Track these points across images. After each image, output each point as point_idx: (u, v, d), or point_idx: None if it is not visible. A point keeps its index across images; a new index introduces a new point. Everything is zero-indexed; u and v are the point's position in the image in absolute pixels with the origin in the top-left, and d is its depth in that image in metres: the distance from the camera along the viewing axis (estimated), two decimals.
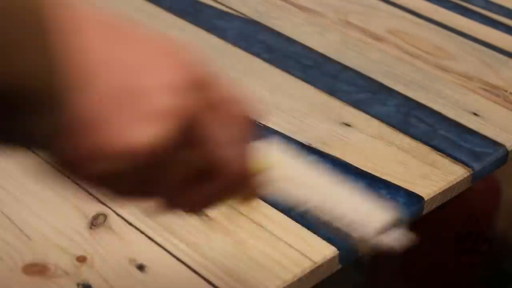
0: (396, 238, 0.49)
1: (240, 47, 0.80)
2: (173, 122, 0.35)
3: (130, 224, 0.55)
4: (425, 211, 0.61)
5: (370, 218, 0.48)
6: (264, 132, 0.66)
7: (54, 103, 0.33)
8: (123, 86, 0.34)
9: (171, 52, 0.38)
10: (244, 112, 0.41)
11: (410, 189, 0.60)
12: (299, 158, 0.50)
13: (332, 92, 0.73)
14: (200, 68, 0.40)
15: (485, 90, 0.75)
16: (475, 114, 0.71)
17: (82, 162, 0.36)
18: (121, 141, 0.34)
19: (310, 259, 0.53)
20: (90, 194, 0.58)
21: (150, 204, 0.40)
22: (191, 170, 0.38)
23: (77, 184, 0.60)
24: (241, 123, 0.40)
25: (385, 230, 0.48)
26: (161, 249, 0.53)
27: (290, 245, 0.54)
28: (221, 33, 0.82)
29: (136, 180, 0.37)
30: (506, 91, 0.75)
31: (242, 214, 0.57)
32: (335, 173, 0.62)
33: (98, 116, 0.33)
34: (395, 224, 0.48)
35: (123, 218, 0.56)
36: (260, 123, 0.41)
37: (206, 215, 0.56)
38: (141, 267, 0.52)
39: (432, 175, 0.62)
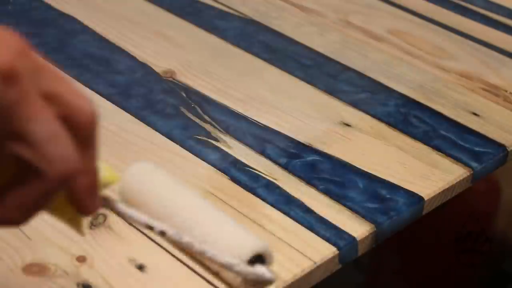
0: (260, 273, 0.48)
1: (240, 47, 0.80)
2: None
3: (130, 224, 0.55)
4: (425, 211, 0.61)
5: (234, 248, 0.48)
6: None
7: None
8: None
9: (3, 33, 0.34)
10: (86, 112, 0.37)
11: (410, 189, 0.60)
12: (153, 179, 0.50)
13: (332, 92, 0.73)
14: (36, 54, 0.35)
15: (485, 90, 0.75)
16: (475, 114, 0.71)
17: None
18: None
19: (310, 259, 0.53)
20: None
21: None
22: (12, 166, 0.35)
23: None
24: (81, 125, 0.36)
25: (249, 262, 0.48)
26: (161, 249, 0.53)
27: (290, 245, 0.54)
28: (221, 33, 0.82)
29: None
30: (506, 91, 0.75)
31: (242, 214, 0.57)
32: (335, 173, 0.62)
33: None
34: (260, 258, 0.49)
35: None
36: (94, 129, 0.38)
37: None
38: (141, 267, 0.52)
39: (432, 175, 0.62)
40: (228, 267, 0.47)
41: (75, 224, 0.43)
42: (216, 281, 0.51)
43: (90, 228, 0.55)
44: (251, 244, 0.49)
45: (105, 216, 0.56)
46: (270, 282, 0.49)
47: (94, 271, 0.51)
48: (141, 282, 0.51)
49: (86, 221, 0.55)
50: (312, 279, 0.53)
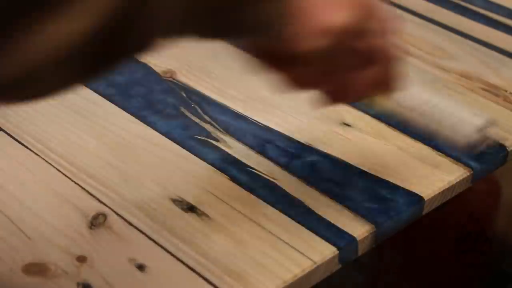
0: (489, 136, 0.58)
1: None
2: (357, 11, 0.46)
3: (130, 224, 0.56)
4: (425, 211, 0.61)
5: (469, 121, 0.58)
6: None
7: None
8: None
9: None
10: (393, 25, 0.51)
11: (410, 189, 0.60)
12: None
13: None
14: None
15: (485, 90, 0.75)
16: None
17: (297, 39, 0.45)
18: (326, 20, 0.45)
19: (310, 259, 0.53)
20: (90, 194, 0.58)
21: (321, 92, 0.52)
22: (358, 57, 0.49)
23: (77, 184, 0.60)
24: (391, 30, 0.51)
25: (481, 131, 0.58)
26: (161, 249, 0.53)
27: (290, 245, 0.54)
28: None
29: (320, 65, 0.48)
30: (506, 91, 0.75)
31: (242, 214, 0.57)
32: (335, 173, 0.62)
33: (306, 3, 0.44)
34: (488, 126, 0.58)
35: (123, 218, 0.56)
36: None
37: (206, 215, 0.57)
38: (141, 267, 0.52)
39: (432, 175, 0.62)
40: (465, 123, 0.58)
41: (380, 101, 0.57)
42: (216, 281, 0.51)
43: (90, 228, 0.55)
44: (476, 116, 0.59)
45: (105, 216, 0.56)
46: (497, 143, 0.63)
47: (94, 271, 0.51)
48: (141, 282, 0.51)
49: (86, 221, 0.56)
50: (312, 279, 0.53)
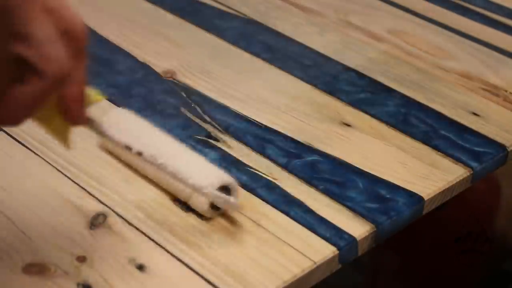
0: (228, 201, 0.54)
1: (240, 47, 0.80)
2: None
3: (130, 224, 0.56)
4: (425, 211, 0.61)
5: (204, 175, 0.53)
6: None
7: None
8: None
9: None
10: (79, 28, 0.42)
11: (410, 189, 0.60)
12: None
13: (332, 92, 0.73)
14: None
15: (485, 90, 0.75)
16: (475, 114, 0.71)
17: None
18: None
19: (310, 259, 0.53)
20: (90, 194, 0.58)
21: None
22: (12, 66, 0.39)
23: (77, 184, 0.60)
24: (73, 38, 0.41)
25: (219, 190, 0.53)
26: (161, 249, 0.53)
27: (290, 245, 0.54)
28: (221, 33, 0.82)
29: None
30: (506, 91, 0.75)
31: (242, 214, 0.57)
32: (335, 173, 0.62)
33: None
34: (228, 190, 0.55)
35: (123, 218, 0.56)
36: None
37: (206, 216, 0.57)
38: (141, 267, 0.52)
39: (432, 175, 0.62)
40: (198, 189, 0.52)
41: (62, 135, 0.47)
42: (216, 281, 0.51)
43: (90, 228, 0.55)
44: (220, 175, 0.54)
45: (105, 216, 0.56)
46: (236, 207, 0.55)
47: (94, 271, 0.51)
48: (141, 282, 0.51)
49: (86, 221, 0.56)
50: (312, 279, 0.53)
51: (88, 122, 0.47)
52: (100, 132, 0.49)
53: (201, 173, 0.53)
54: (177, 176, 0.52)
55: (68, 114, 0.44)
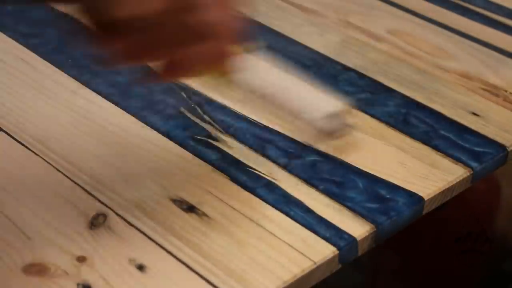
0: (338, 124, 0.56)
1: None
2: None
3: (130, 224, 0.56)
4: (425, 211, 0.61)
5: (318, 105, 0.56)
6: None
7: None
8: None
9: None
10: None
11: (410, 189, 0.60)
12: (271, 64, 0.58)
13: (332, 92, 0.73)
14: None
15: (485, 90, 0.75)
16: (475, 114, 0.71)
17: (117, 5, 0.44)
18: None
19: (310, 259, 0.53)
20: (90, 194, 0.58)
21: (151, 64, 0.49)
22: (186, 32, 0.46)
23: (77, 184, 0.60)
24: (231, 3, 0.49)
25: (330, 117, 0.56)
26: (161, 249, 0.53)
27: (290, 245, 0.54)
28: None
29: (145, 36, 0.46)
30: (506, 91, 0.75)
31: (242, 214, 0.57)
32: (335, 173, 0.62)
33: None
34: (339, 114, 0.57)
35: (123, 218, 0.56)
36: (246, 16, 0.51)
37: (206, 215, 0.57)
38: (141, 267, 0.52)
39: (432, 175, 0.62)
40: (309, 114, 0.56)
41: (220, 80, 0.55)
42: (216, 281, 0.51)
43: (90, 228, 0.55)
44: (330, 102, 0.57)
45: (105, 216, 0.56)
46: (346, 130, 0.59)
47: (94, 271, 0.51)
48: (141, 282, 0.51)
49: (86, 221, 0.56)
50: (312, 279, 0.53)
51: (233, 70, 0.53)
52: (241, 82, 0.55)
53: (312, 104, 0.57)
54: (293, 105, 0.56)
55: (225, 67, 0.52)
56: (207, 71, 0.53)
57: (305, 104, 0.56)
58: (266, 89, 0.55)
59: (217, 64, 0.51)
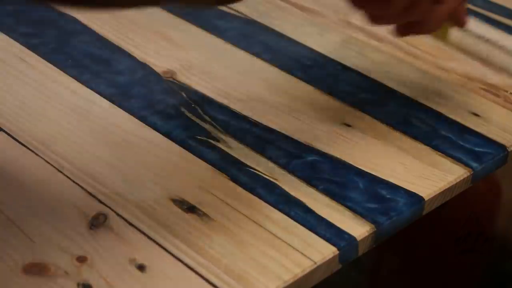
0: None
1: (240, 47, 0.80)
2: None
3: (130, 224, 0.56)
4: (425, 211, 0.61)
5: None
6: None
7: None
8: None
9: None
10: None
11: (410, 189, 0.60)
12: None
13: (332, 92, 0.73)
14: None
15: (486, 90, 0.75)
16: (475, 114, 0.71)
17: None
18: None
19: (310, 259, 0.53)
20: (90, 194, 0.58)
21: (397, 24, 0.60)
22: None
23: (77, 184, 0.60)
24: None
25: None
26: (161, 249, 0.53)
27: (290, 245, 0.54)
28: (221, 33, 0.82)
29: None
30: (506, 91, 0.75)
31: (242, 214, 0.57)
32: (335, 173, 0.62)
33: None
34: None
35: (123, 218, 0.56)
36: None
37: (206, 215, 0.57)
38: (141, 267, 0.52)
39: (432, 175, 0.62)
40: None
41: (444, 36, 0.66)
42: (216, 281, 0.51)
43: (90, 228, 0.55)
44: None
45: (105, 216, 0.56)
46: None
47: (94, 271, 0.51)
48: (141, 282, 0.51)
49: (86, 221, 0.56)
50: (312, 279, 0.53)
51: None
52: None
53: None
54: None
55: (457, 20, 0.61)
56: (438, 29, 0.61)
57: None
58: (479, 45, 0.62)
59: (455, 20, 0.59)
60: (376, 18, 0.57)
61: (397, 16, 0.57)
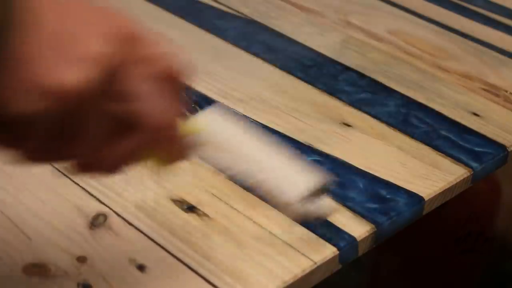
0: (321, 206, 0.50)
1: (240, 47, 0.80)
2: (99, 69, 0.36)
3: (130, 224, 0.55)
4: (425, 211, 0.61)
5: (296, 184, 0.48)
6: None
7: None
8: (60, 31, 0.36)
9: (110, 13, 0.40)
10: (173, 70, 0.42)
11: (410, 189, 0.60)
12: (228, 125, 0.51)
13: (332, 92, 0.73)
14: (134, 27, 0.41)
15: (485, 90, 0.75)
16: (475, 114, 0.71)
17: (11, 99, 0.35)
18: (48, 79, 0.35)
19: (310, 259, 0.53)
20: (90, 194, 0.58)
21: (65, 164, 0.41)
22: (111, 123, 0.39)
23: (77, 184, 0.60)
24: (169, 81, 0.41)
25: (310, 196, 0.48)
26: (161, 249, 0.53)
27: (290, 245, 0.54)
28: (221, 33, 0.82)
29: (54, 133, 0.38)
30: (506, 91, 0.75)
31: (242, 214, 0.57)
32: (335, 173, 0.62)
33: (31, 54, 0.35)
34: (321, 191, 0.49)
35: (123, 218, 0.56)
36: (189, 86, 0.44)
37: (206, 215, 0.57)
38: (141, 267, 0.52)
39: (432, 175, 0.62)
40: (288, 202, 0.48)
41: (159, 166, 0.45)
42: (216, 281, 0.51)
43: (90, 228, 0.55)
44: (308, 178, 0.49)
45: (105, 216, 0.56)
46: (328, 213, 0.52)
47: (94, 271, 0.51)
48: (141, 282, 0.51)
49: (86, 221, 0.56)
50: (312, 279, 0.53)
51: (186, 155, 0.45)
52: (199, 156, 0.48)
53: (291, 182, 0.49)
54: (270, 192, 0.48)
55: (167, 155, 0.44)
56: (142, 160, 0.44)
57: (281, 183, 0.48)
58: (233, 168, 0.48)
59: (154, 153, 0.43)
60: (25, 156, 0.39)
61: (55, 153, 0.39)
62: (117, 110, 0.39)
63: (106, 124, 0.39)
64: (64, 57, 0.35)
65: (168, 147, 0.43)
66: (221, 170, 0.51)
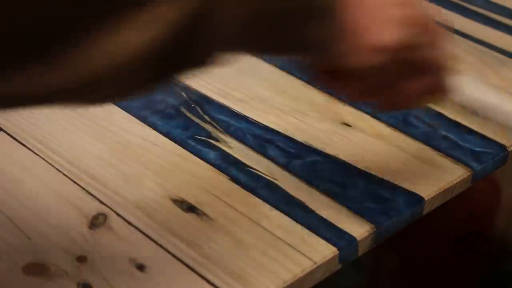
0: None
1: None
2: (411, 28, 0.48)
3: (130, 224, 0.56)
4: (425, 211, 0.61)
5: None
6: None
7: (327, 12, 0.44)
8: (374, 4, 0.47)
9: None
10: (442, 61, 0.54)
11: (410, 189, 0.60)
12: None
13: (332, 92, 0.73)
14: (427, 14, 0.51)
15: None
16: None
17: (351, 57, 0.47)
18: (375, 39, 0.46)
19: (310, 259, 0.53)
20: (90, 194, 0.58)
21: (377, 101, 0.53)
22: (409, 69, 0.51)
23: (77, 184, 0.60)
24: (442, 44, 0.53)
25: None
26: (161, 249, 0.53)
27: (290, 245, 0.54)
28: None
29: (374, 79, 0.50)
30: (507, 91, 0.75)
31: (242, 214, 0.57)
32: (335, 173, 0.62)
33: (360, 22, 0.46)
34: None
35: (123, 218, 0.56)
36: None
37: (206, 215, 0.57)
38: (141, 267, 0.52)
39: (432, 175, 0.62)
40: None
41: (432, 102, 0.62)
42: (216, 281, 0.51)
43: (90, 228, 0.55)
44: None
45: (105, 216, 0.56)
46: None
47: (94, 271, 0.51)
48: (141, 282, 0.51)
49: (86, 221, 0.56)
50: (312, 279, 0.53)
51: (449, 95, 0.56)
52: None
53: None
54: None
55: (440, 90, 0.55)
56: (425, 101, 0.57)
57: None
58: (475, 105, 0.59)
59: (435, 94, 0.55)
60: (352, 94, 0.55)
61: (372, 92, 0.53)
62: (414, 58, 0.50)
63: (406, 69, 0.50)
64: (383, 22, 0.47)
65: (443, 87, 0.54)
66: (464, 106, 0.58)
